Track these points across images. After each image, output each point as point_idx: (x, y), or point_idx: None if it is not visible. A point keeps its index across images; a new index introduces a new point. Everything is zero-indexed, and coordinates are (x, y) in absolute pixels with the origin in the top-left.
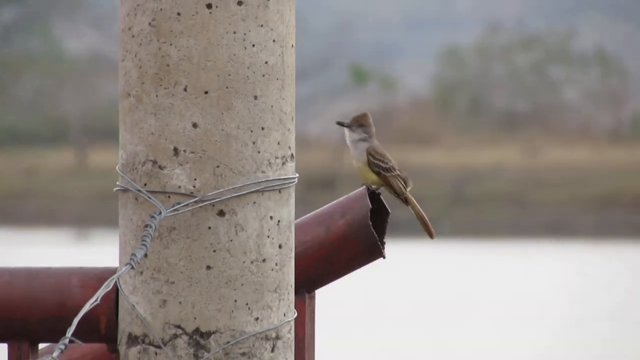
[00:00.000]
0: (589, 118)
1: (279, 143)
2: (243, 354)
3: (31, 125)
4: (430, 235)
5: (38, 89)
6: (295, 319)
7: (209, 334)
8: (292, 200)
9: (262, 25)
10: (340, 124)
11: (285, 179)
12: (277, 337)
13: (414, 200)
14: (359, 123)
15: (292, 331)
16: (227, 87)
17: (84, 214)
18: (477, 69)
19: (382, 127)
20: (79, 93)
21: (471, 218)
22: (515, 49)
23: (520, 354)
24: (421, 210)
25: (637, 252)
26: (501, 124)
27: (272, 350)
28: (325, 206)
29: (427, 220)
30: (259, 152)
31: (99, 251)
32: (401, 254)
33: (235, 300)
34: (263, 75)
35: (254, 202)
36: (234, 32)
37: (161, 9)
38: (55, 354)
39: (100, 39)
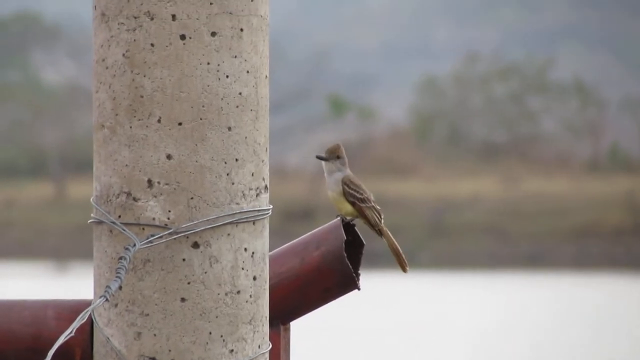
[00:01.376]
0: (567, 148)
1: (253, 174)
2: None
3: (9, 157)
4: (403, 269)
5: (16, 120)
6: (270, 351)
7: None
8: (266, 232)
9: (235, 57)
10: (320, 157)
11: (259, 210)
12: None
13: (389, 232)
14: (336, 155)
15: None
16: (201, 119)
17: (63, 246)
18: (455, 99)
19: (360, 158)
20: (57, 124)
21: (450, 249)
22: (493, 79)
23: None
24: (395, 243)
25: (615, 283)
26: (479, 154)
27: None
28: (300, 237)
29: (401, 253)
30: (233, 183)
31: (78, 284)
32: (379, 286)
33: (210, 333)
34: (237, 107)
35: (228, 234)
36: (208, 63)
37: (135, 40)
38: None
39: (78, 70)
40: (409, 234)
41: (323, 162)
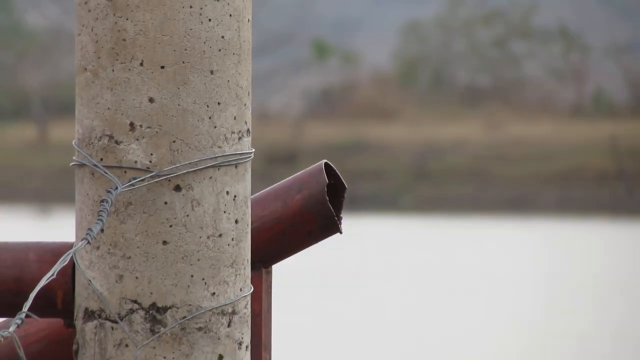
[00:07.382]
0: (551, 93)
1: (235, 118)
2: (199, 329)
3: None
4: None
5: None
6: (252, 294)
7: (165, 309)
8: (249, 176)
9: (218, 0)
10: None
11: (241, 154)
12: (234, 312)
13: None
14: None
15: (249, 306)
16: (183, 62)
17: (45, 189)
18: (439, 44)
19: (343, 102)
20: (39, 67)
21: (433, 193)
22: (477, 23)
23: (478, 328)
24: None
25: (598, 227)
26: (463, 98)
27: (229, 325)
28: (283, 181)
29: None
30: (215, 127)
31: (60, 226)
32: (361, 229)
33: (192, 276)
34: (219, 50)
35: (210, 177)
36: (190, 7)
37: None
38: (11, 329)
39: (61, 13)
40: (392, 179)
41: None
